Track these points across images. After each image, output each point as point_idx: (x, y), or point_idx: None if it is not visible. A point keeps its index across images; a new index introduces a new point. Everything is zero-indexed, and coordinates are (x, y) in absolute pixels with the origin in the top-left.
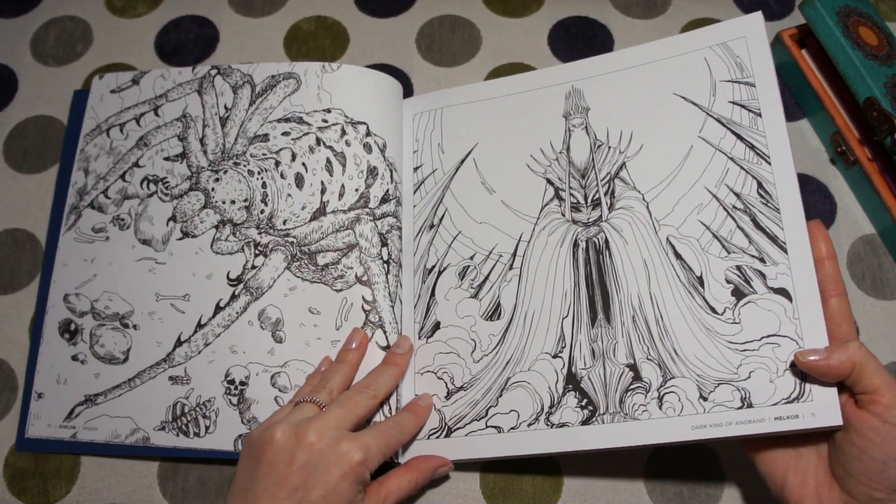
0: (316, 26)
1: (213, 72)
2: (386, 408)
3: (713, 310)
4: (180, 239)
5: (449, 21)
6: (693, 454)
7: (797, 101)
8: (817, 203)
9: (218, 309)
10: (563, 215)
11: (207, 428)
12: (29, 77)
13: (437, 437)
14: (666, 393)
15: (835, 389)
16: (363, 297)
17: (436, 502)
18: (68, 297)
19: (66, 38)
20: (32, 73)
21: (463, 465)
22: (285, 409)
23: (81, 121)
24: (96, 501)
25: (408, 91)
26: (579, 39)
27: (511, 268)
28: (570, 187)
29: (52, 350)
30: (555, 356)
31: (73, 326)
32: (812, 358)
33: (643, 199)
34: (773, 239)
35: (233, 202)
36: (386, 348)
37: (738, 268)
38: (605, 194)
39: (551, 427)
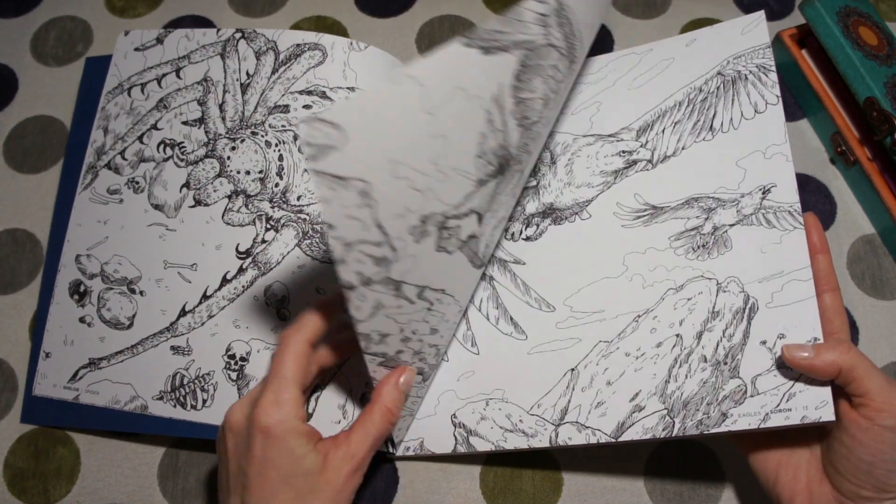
0: (316, 26)
1: (238, 35)
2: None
3: None
4: (192, 206)
5: (449, 21)
6: (693, 454)
7: (797, 101)
8: (817, 203)
9: (224, 281)
10: None
11: (205, 402)
12: (29, 77)
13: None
14: None
15: (828, 385)
16: None
17: (436, 502)
18: (80, 257)
19: (66, 38)
20: (32, 73)
21: (463, 462)
22: None
23: (94, 84)
24: (96, 501)
25: None
26: None
27: None
28: None
29: (62, 310)
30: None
31: (82, 288)
32: (798, 354)
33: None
34: None
35: (247, 173)
36: None
37: None
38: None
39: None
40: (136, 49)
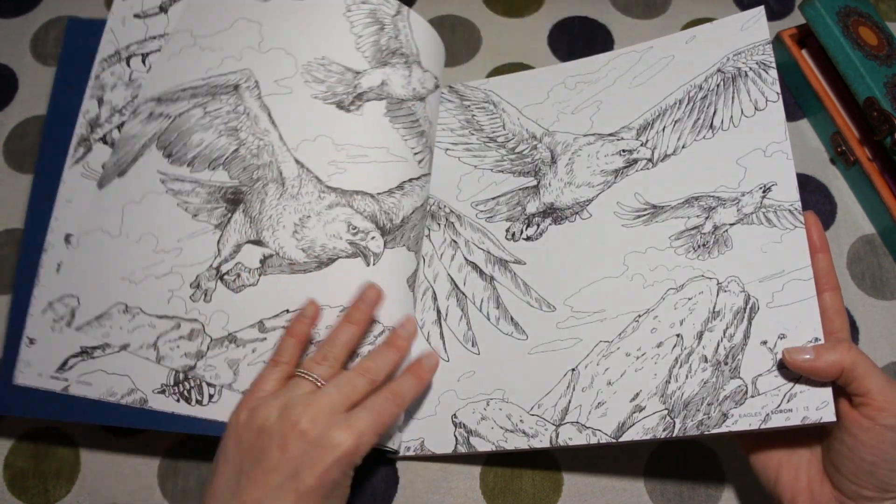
0: None
1: None
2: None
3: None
4: None
5: (449, 21)
6: (693, 454)
7: (797, 101)
8: (817, 203)
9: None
10: None
11: (211, 397)
12: (29, 77)
13: None
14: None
15: (829, 386)
16: None
17: (436, 502)
18: (70, 237)
19: None
20: (32, 73)
21: (463, 462)
22: (271, 375)
23: (79, 48)
24: (96, 501)
25: None
26: (579, 39)
27: None
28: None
29: (49, 293)
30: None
31: None
32: (799, 357)
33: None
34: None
35: None
36: None
37: None
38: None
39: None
40: (136, 16)
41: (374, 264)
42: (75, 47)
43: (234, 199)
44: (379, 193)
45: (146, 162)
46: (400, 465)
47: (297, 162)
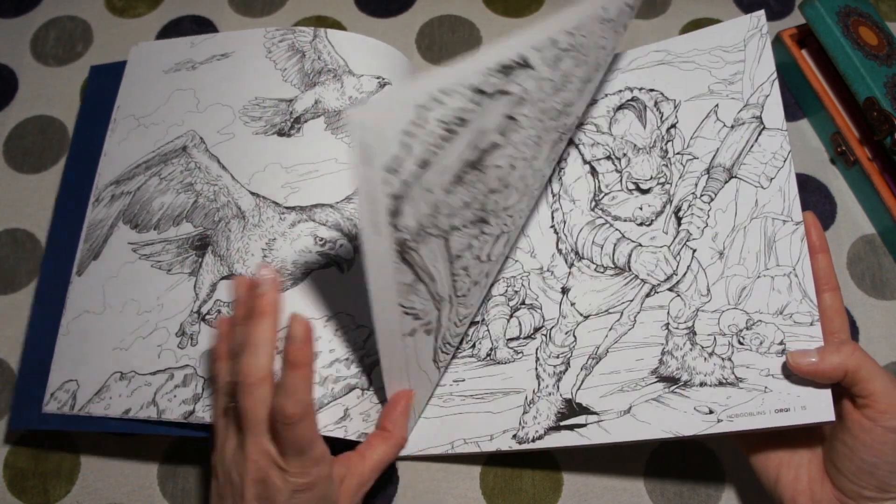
0: (316, 26)
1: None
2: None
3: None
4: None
5: (449, 21)
6: (693, 454)
7: (797, 101)
8: (817, 203)
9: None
10: None
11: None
12: (29, 77)
13: None
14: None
15: (828, 386)
16: None
17: (436, 502)
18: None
19: (66, 38)
20: (32, 73)
21: (463, 462)
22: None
23: (102, 91)
24: (96, 501)
25: None
26: None
27: None
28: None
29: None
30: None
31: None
32: (804, 361)
33: None
34: None
35: None
36: None
37: None
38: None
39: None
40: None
41: (348, 270)
42: (99, 92)
43: (201, 245)
44: (338, 202)
45: (116, 239)
46: (400, 465)
47: (252, 193)
